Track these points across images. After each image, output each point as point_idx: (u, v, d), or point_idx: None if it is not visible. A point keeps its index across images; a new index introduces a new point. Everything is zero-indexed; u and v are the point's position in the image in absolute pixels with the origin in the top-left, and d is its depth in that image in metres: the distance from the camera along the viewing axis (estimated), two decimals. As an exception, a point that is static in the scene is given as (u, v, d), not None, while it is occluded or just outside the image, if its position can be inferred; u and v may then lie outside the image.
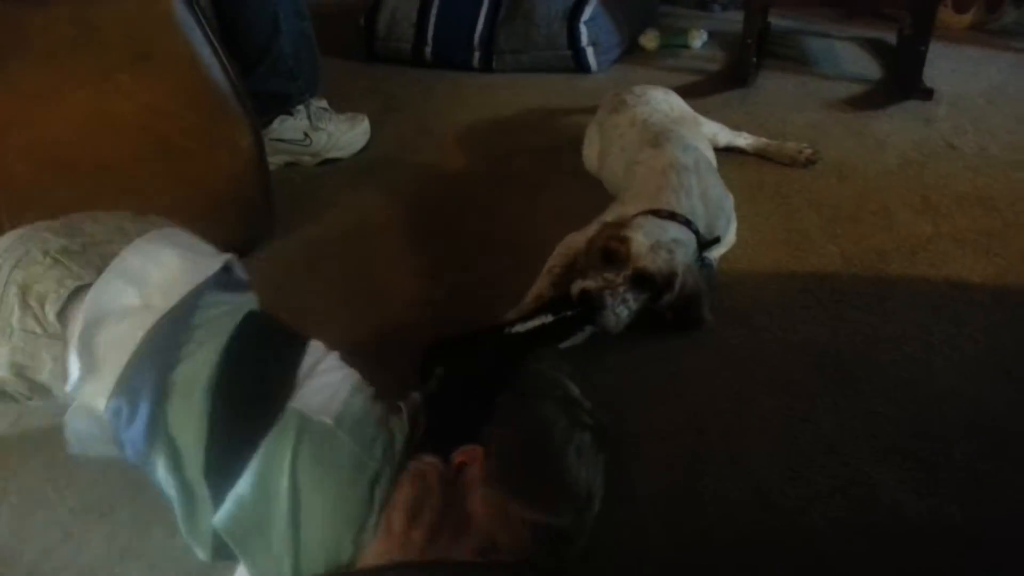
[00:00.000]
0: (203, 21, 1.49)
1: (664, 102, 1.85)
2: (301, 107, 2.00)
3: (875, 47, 2.60)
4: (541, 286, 1.48)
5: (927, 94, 2.20)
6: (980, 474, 1.13)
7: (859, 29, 2.73)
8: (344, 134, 2.05)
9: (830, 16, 2.85)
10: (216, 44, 1.51)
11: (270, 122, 1.96)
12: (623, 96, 1.85)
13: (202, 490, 0.89)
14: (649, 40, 2.70)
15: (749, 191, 1.81)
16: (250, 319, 1.00)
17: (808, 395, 1.27)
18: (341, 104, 2.13)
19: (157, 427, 0.90)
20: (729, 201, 1.59)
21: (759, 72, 2.44)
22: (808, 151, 1.92)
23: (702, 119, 1.92)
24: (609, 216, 1.51)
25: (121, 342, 0.91)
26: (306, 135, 2.00)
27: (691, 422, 1.23)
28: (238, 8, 1.85)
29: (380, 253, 1.70)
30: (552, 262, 1.52)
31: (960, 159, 1.92)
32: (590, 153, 1.90)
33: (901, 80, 2.29)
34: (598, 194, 1.77)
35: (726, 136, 1.95)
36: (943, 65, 2.39)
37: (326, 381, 0.97)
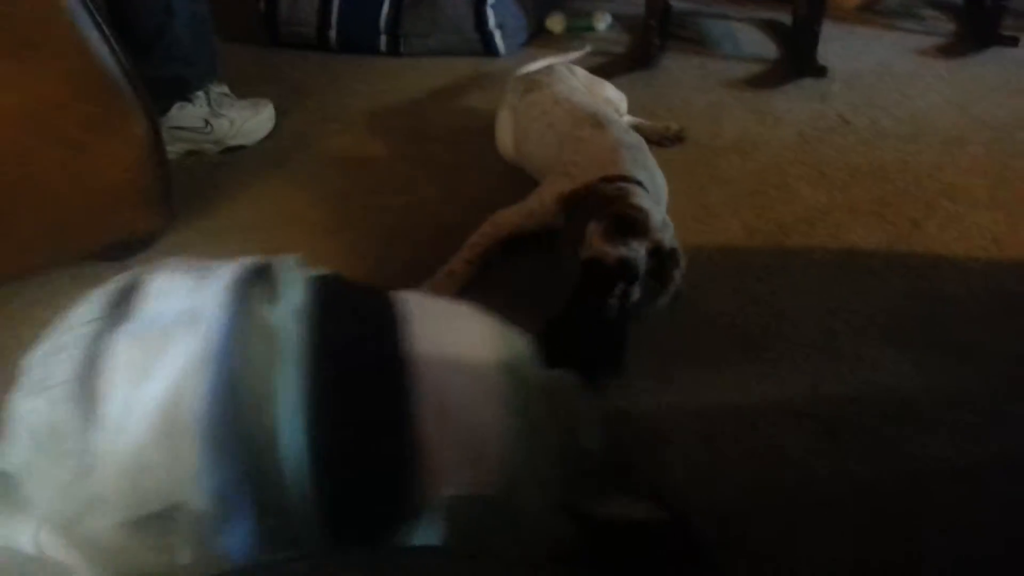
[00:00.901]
0: (91, 5, 1.42)
1: (571, 76, 1.87)
2: (200, 93, 1.93)
3: (772, 28, 2.69)
4: (456, 261, 1.47)
5: (821, 72, 2.29)
6: (883, 437, 1.18)
7: (756, 10, 2.82)
8: (247, 121, 1.99)
9: (728, -2, 2.94)
10: (106, 29, 1.44)
11: (167, 109, 1.88)
12: (534, 76, 1.86)
13: None
14: (555, 23, 2.72)
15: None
16: None
17: (716, 364, 1.31)
18: (243, 90, 2.06)
19: None
20: (663, 179, 1.63)
21: (662, 53, 2.49)
22: (675, 128, 1.96)
23: (606, 84, 1.95)
24: (553, 188, 1.50)
25: None
26: (206, 122, 1.93)
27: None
28: (129, -9, 1.77)
29: (288, 243, 1.65)
30: (476, 238, 1.50)
31: (853, 133, 2.01)
32: (504, 137, 1.90)
33: (797, 59, 2.38)
34: (514, 176, 1.78)
35: (624, 105, 1.98)
36: (835, 44, 2.49)
37: None
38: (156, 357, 0.72)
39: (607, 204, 1.36)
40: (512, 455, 0.74)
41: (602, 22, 2.74)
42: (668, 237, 1.37)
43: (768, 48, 2.54)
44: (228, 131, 1.96)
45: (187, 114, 1.92)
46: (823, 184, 1.79)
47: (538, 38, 2.68)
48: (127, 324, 0.76)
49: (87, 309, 0.78)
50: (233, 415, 0.70)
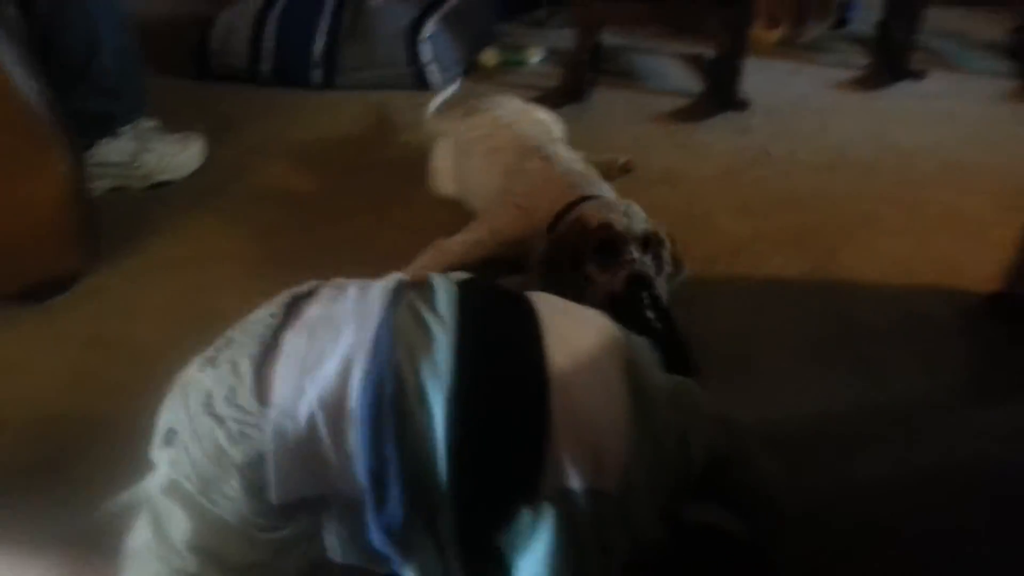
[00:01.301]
0: (13, 38, 1.40)
1: (509, 103, 1.91)
2: (127, 128, 1.91)
3: (696, 63, 2.78)
4: None
5: (743, 105, 2.38)
6: (809, 450, 1.22)
7: (682, 46, 2.91)
8: (176, 155, 1.97)
9: (655, 33, 3.02)
10: (29, 63, 1.42)
11: (93, 145, 1.85)
12: (472, 103, 1.90)
13: None
14: (489, 58, 2.77)
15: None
16: None
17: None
18: (172, 124, 2.05)
19: None
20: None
21: (593, 88, 2.55)
22: (622, 160, 2.01)
23: (537, 107, 1.99)
24: (502, 220, 1.55)
25: None
26: (134, 157, 1.91)
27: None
28: (53, 23, 1.74)
29: (219, 280, 1.64)
30: (419, 270, 1.49)
31: (774, 164, 2.09)
32: (441, 167, 1.89)
33: (720, 93, 2.47)
34: (449, 207, 1.80)
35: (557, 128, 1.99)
36: (757, 78, 2.58)
37: None
38: (324, 350, 0.82)
39: (585, 239, 1.37)
40: (631, 458, 0.79)
41: (535, 57, 2.79)
42: (644, 227, 1.39)
43: (693, 83, 2.63)
44: (156, 166, 1.94)
45: (113, 149, 1.89)
46: (746, 215, 1.86)
47: (472, 72, 2.72)
48: (299, 321, 0.88)
49: (265, 311, 0.91)
50: (391, 402, 0.78)
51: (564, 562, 0.76)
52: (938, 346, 1.46)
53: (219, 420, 0.81)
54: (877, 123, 2.34)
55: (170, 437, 0.85)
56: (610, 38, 2.89)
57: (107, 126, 1.89)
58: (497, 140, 1.74)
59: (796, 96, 2.52)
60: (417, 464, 0.77)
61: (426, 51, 2.51)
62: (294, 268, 1.66)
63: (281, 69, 2.55)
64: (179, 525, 0.81)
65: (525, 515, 0.77)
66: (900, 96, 2.53)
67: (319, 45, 2.51)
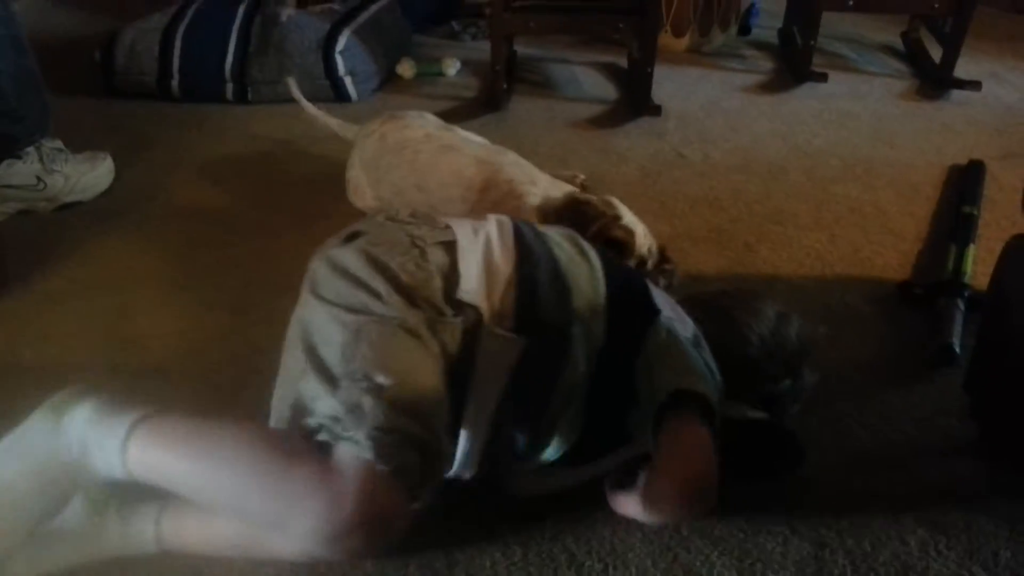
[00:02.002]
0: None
1: (429, 116, 1.94)
2: (30, 149, 1.83)
3: (609, 71, 2.84)
4: None
5: (656, 111, 2.44)
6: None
7: (595, 55, 2.97)
8: (84, 175, 1.90)
9: (568, 43, 3.07)
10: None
11: (-6, 167, 1.77)
12: (394, 115, 1.89)
13: None
14: (406, 69, 2.76)
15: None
16: None
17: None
18: (79, 144, 1.97)
19: None
20: None
21: (511, 97, 2.58)
22: (581, 177, 2.01)
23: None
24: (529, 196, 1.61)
25: None
26: (39, 179, 1.83)
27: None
28: (-55, 45, 1.67)
29: (134, 302, 1.58)
30: None
31: (689, 167, 2.16)
32: (360, 182, 1.86)
33: (633, 99, 2.53)
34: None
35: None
36: (668, 85, 2.67)
37: None
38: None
39: (594, 223, 1.47)
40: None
41: (452, 68, 2.80)
42: (648, 243, 1.53)
43: (608, 90, 2.69)
44: (63, 187, 1.86)
45: (16, 172, 1.81)
46: (664, 215, 1.91)
47: (389, 84, 2.71)
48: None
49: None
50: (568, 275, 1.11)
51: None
52: (853, 334, 1.52)
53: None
54: (784, 124, 2.43)
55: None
56: (524, 48, 2.94)
57: (8, 148, 1.81)
58: (448, 139, 1.77)
59: (706, 101, 2.60)
60: (590, 308, 1.09)
61: (341, 64, 2.49)
62: (214, 287, 1.63)
63: (192, 85, 2.49)
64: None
65: (650, 329, 1.10)
66: (804, 98, 2.64)
67: (230, 60, 2.46)
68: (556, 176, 1.99)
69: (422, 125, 1.83)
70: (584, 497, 1.14)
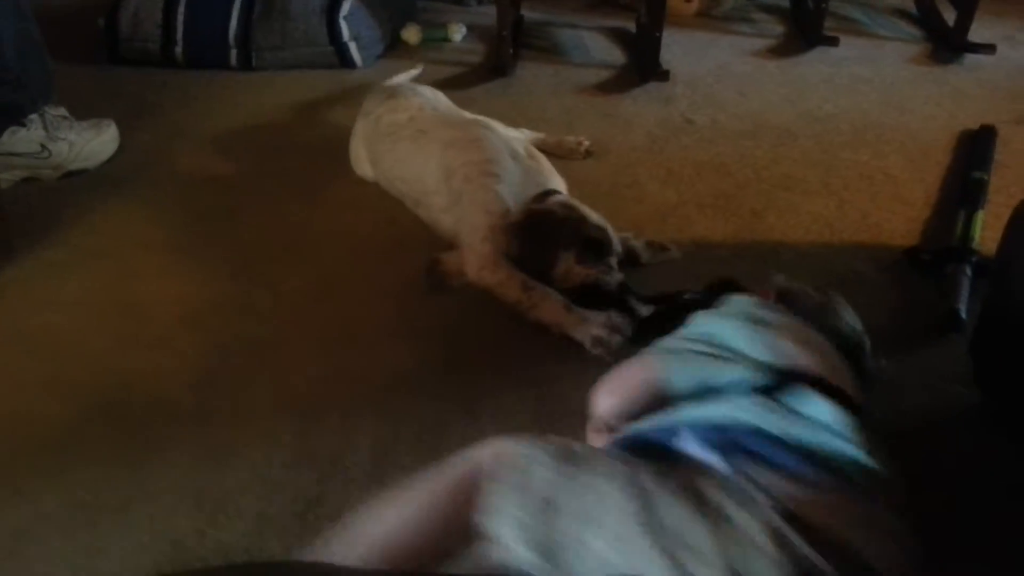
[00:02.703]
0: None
1: (432, 91, 1.92)
2: (34, 117, 1.83)
3: (617, 35, 2.80)
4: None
5: (665, 76, 2.41)
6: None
7: (602, 19, 2.93)
8: (88, 143, 1.90)
9: (575, 8, 3.04)
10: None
11: (-1, 135, 1.77)
12: (393, 93, 1.87)
13: None
14: (411, 35, 2.73)
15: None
16: None
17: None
18: (84, 111, 1.97)
19: None
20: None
21: (517, 63, 2.55)
22: (587, 143, 2.00)
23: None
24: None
25: None
26: (43, 147, 1.83)
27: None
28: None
29: (140, 269, 1.59)
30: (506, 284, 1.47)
31: (697, 132, 2.13)
32: (359, 153, 1.87)
33: (641, 64, 2.50)
34: (379, 187, 1.80)
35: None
36: (677, 49, 2.63)
37: None
38: None
39: (570, 228, 1.45)
40: None
41: (457, 33, 2.77)
42: (617, 238, 1.50)
43: (615, 55, 2.65)
44: (68, 155, 1.86)
45: (21, 139, 1.81)
46: (671, 181, 1.89)
47: (394, 50, 2.69)
48: None
49: None
50: None
51: None
52: (861, 300, 1.50)
53: None
54: (794, 89, 2.40)
55: None
56: (531, 13, 2.90)
57: (12, 116, 1.80)
58: (424, 122, 1.72)
59: (715, 66, 2.57)
60: None
61: (346, 29, 2.47)
62: (218, 255, 1.63)
63: (196, 52, 2.47)
64: None
65: None
66: (815, 62, 2.60)
67: (234, 26, 2.44)
68: (560, 143, 1.98)
69: (409, 106, 1.78)
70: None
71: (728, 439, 0.82)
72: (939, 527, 1.06)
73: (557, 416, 1.23)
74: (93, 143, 1.91)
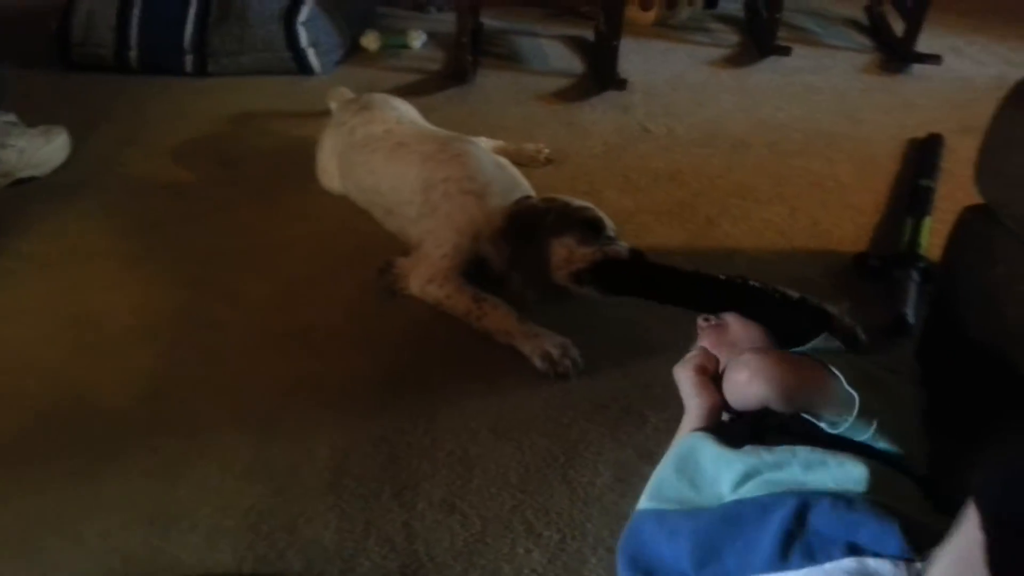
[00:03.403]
0: None
1: (401, 103, 1.91)
2: (-18, 123, 1.79)
3: (576, 44, 2.83)
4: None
5: (622, 84, 2.44)
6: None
7: (562, 28, 2.95)
8: (39, 149, 1.86)
9: (535, 16, 3.06)
10: None
11: (-55, 142, 1.73)
12: (367, 104, 1.85)
13: None
14: (370, 41, 2.73)
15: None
16: None
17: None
18: (34, 118, 1.93)
19: None
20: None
21: (477, 70, 2.56)
22: (547, 151, 2.02)
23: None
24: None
25: None
26: (-9, 154, 1.79)
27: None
28: None
29: (92, 278, 1.56)
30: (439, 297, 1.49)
31: (653, 140, 2.16)
32: (328, 167, 1.83)
33: (600, 73, 2.52)
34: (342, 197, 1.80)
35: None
36: (634, 58, 2.66)
37: None
38: None
39: (563, 218, 1.44)
40: None
41: (417, 40, 2.77)
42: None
43: (574, 63, 2.68)
44: (16, 162, 1.83)
45: (-32, 146, 1.77)
46: (628, 189, 1.91)
47: (353, 56, 2.68)
48: None
49: None
50: None
51: None
52: (811, 305, 1.55)
53: None
54: (748, 98, 2.44)
55: None
56: (491, 21, 2.91)
57: (-41, 122, 1.77)
58: (402, 135, 1.72)
59: (672, 75, 2.60)
60: None
61: (304, 35, 2.45)
62: (173, 263, 1.61)
63: (151, 57, 2.44)
64: None
65: None
66: (768, 71, 2.65)
67: (189, 31, 2.42)
68: (520, 150, 2.00)
69: (385, 119, 1.78)
70: (543, 469, 1.16)
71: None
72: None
73: (516, 424, 1.24)
74: (44, 150, 1.87)
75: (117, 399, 1.27)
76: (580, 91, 2.45)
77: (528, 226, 1.46)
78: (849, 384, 0.91)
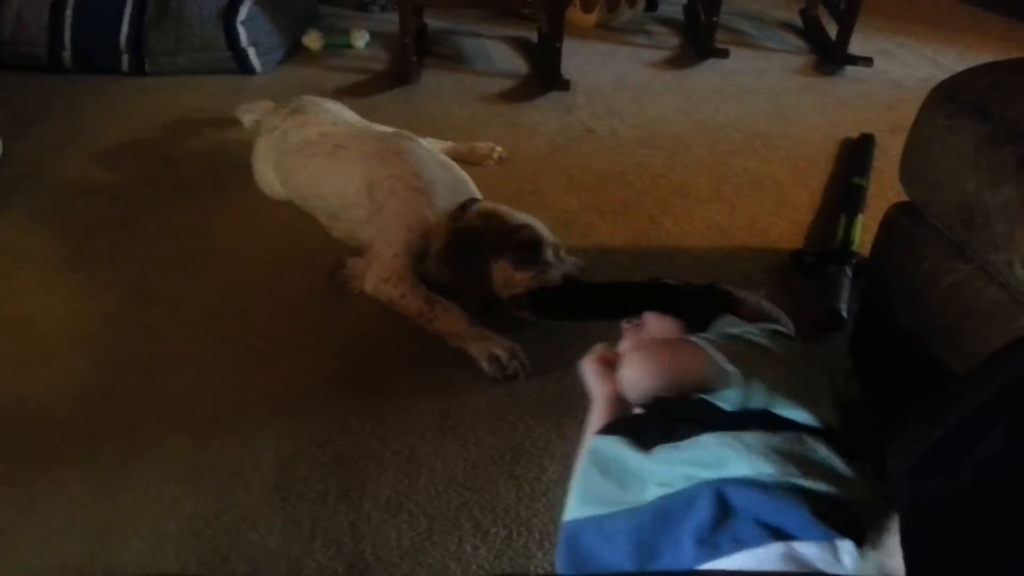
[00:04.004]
0: None
1: (332, 104, 1.90)
2: (-95, 124, 1.73)
3: (519, 45, 2.85)
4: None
5: (565, 85, 2.47)
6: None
7: (505, 29, 2.97)
8: (-33, 152, 1.81)
9: (478, 17, 3.07)
10: None
11: None
12: (297, 108, 1.82)
13: None
14: (313, 41, 2.71)
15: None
16: None
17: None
18: (-39, 119, 1.88)
19: None
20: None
21: (421, 70, 2.56)
22: (500, 150, 2.04)
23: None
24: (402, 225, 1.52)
25: None
26: (-85, 156, 1.73)
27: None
28: None
29: (22, 283, 1.52)
30: (392, 296, 1.48)
31: (597, 141, 2.19)
32: (266, 172, 1.80)
33: (543, 74, 2.55)
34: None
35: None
36: (577, 59, 2.69)
37: None
38: None
39: (493, 237, 1.44)
40: None
41: (360, 40, 2.76)
42: (548, 231, 1.49)
43: (518, 64, 2.70)
44: (-56, 164, 1.77)
45: None
46: (573, 189, 1.94)
47: (295, 56, 2.66)
48: None
49: None
50: None
51: None
52: (749, 301, 1.59)
53: None
54: (688, 99, 2.49)
55: None
56: (434, 21, 2.91)
57: None
58: (340, 137, 1.70)
59: (614, 76, 2.64)
60: None
61: (244, 34, 2.42)
62: (108, 268, 1.58)
63: (85, 56, 2.38)
64: None
65: None
66: (707, 73, 2.71)
67: (125, 30, 2.37)
68: (472, 150, 2.01)
69: (319, 121, 1.76)
70: (489, 466, 1.17)
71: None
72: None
73: (462, 423, 1.25)
74: (-28, 152, 1.82)
75: (54, 406, 1.24)
76: (524, 92, 2.47)
77: (466, 248, 1.46)
78: (729, 358, 0.94)
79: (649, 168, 2.06)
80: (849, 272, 1.60)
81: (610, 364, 1.08)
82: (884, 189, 1.97)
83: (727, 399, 0.93)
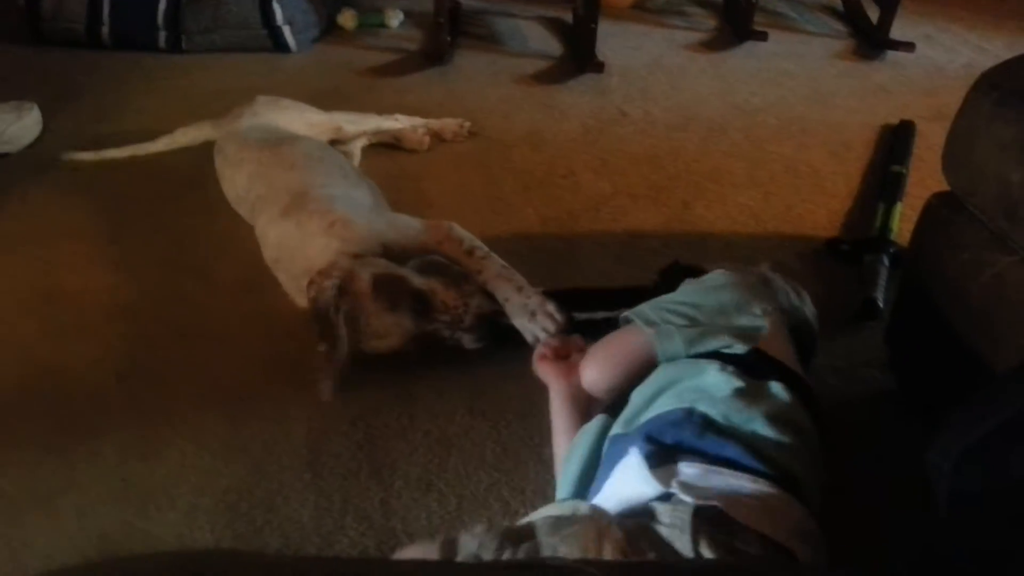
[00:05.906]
0: None
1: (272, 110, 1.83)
2: (-49, 98, 1.77)
3: (555, 26, 2.83)
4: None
5: (600, 67, 2.44)
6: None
7: (540, 9, 2.95)
8: (9, 126, 1.84)
9: (513, -4, 3.05)
10: None
11: (-88, 117, 1.70)
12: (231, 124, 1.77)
13: None
14: (347, 20, 2.71)
15: (455, 161, 1.92)
16: None
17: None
18: (5, 94, 1.91)
19: None
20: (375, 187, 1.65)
21: (455, 51, 2.55)
22: (467, 125, 2.03)
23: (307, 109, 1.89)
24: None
25: None
26: (-39, 130, 1.77)
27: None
28: None
29: (64, 256, 1.55)
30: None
31: (631, 124, 2.17)
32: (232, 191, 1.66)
33: (578, 55, 2.52)
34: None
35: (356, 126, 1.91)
36: (612, 41, 2.66)
37: None
38: None
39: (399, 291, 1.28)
40: None
41: (394, 19, 2.76)
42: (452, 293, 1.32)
43: (552, 45, 2.67)
44: (-13, 139, 1.80)
45: (-64, 122, 1.74)
46: (605, 172, 1.92)
47: (330, 34, 2.66)
48: None
49: None
50: None
51: None
52: (783, 288, 1.57)
53: None
54: (724, 83, 2.46)
55: None
56: (468, 1, 2.90)
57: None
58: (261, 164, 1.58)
59: (649, 58, 2.61)
60: None
61: (280, 12, 2.43)
62: (145, 242, 1.60)
63: (123, 33, 2.40)
64: None
65: None
66: (744, 56, 2.67)
67: (163, 7, 2.38)
68: (444, 126, 2.00)
69: (257, 138, 1.65)
70: (518, 449, 1.17)
71: (671, 448, 0.87)
72: (847, 505, 1.12)
73: (492, 406, 1.25)
74: (15, 127, 1.85)
75: (92, 378, 1.27)
76: (558, 73, 2.45)
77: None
78: (647, 320, 1.07)
79: (683, 152, 2.04)
80: (886, 261, 1.58)
81: (563, 356, 1.18)
82: (924, 177, 1.94)
83: (669, 352, 1.03)
